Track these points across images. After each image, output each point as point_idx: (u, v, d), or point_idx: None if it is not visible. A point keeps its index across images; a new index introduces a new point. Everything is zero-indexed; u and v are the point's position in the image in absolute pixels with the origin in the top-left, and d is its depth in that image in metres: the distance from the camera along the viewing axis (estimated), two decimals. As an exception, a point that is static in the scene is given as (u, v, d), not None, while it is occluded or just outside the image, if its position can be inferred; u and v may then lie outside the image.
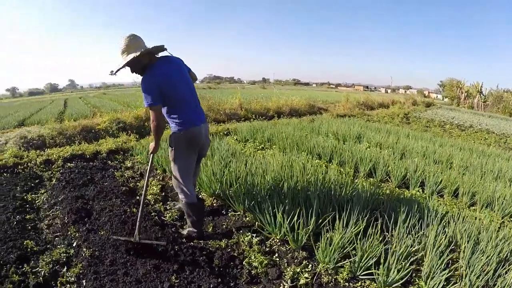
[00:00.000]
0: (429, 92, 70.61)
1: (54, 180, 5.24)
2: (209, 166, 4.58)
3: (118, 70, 2.96)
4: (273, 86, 61.93)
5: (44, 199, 4.59)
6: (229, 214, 4.07)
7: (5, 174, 5.61)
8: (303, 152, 6.40)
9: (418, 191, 5.13)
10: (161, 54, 3.13)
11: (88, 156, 6.36)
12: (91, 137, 8.31)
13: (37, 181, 5.29)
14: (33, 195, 4.69)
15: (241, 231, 3.66)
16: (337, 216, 3.27)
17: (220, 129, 8.71)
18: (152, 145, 3.20)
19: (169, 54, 3.16)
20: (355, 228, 3.18)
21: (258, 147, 7.11)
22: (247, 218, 3.94)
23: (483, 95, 36.75)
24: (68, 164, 6.02)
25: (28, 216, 4.00)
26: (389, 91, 75.36)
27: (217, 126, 9.32)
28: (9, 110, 20.77)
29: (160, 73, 2.97)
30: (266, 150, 6.93)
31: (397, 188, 5.22)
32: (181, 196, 3.36)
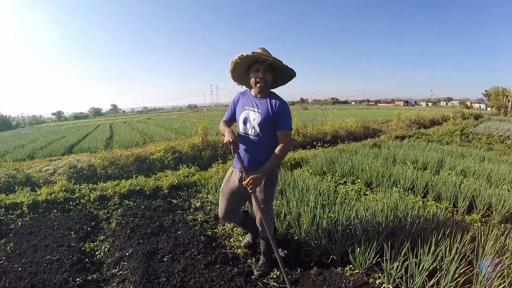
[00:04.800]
0: (471, 103, 68.25)
1: (114, 223, 4.39)
2: (305, 211, 3.69)
3: (279, 61, 2.55)
4: (314, 106, 61.51)
5: (106, 249, 3.71)
6: (347, 274, 3.02)
7: (55, 211, 4.89)
8: (393, 187, 5.44)
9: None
10: None
11: (147, 193, 5.49)
12: (145, 168, 7.55)
13: (93, 223, 4.45)
14: (91, 244, 3.84)
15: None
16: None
17: (287, 159, 7.63)
18: (256, 176, 2.54)
19: None
20: None
21: (339, 181, 6.10)
22: (371, 279, 2.93)
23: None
24: (126, 201, 5.19)
25: (90, 277, 3.11)
26: (430, 104, 72.66)
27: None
28: (56, 135, 20.71)
29: None
30: (348, 184, 5.94)
31: (502, 224, 4.17)
32: (270, 229, 2.74)
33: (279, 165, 2.68)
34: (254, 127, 2.66)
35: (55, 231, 4.10)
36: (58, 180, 5.95)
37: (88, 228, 4.24)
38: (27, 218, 4.67)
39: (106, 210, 4.96)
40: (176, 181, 5.88)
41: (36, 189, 5.74)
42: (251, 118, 2.67)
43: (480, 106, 59.75)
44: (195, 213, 4.72)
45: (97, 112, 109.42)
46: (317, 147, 9.63)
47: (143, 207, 4.82)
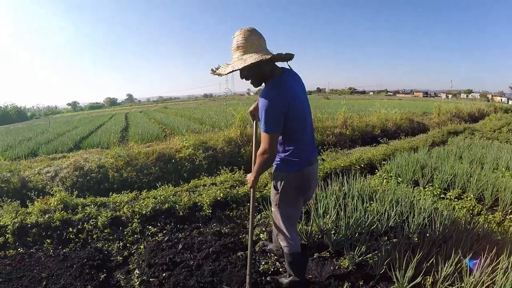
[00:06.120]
0: (492, 96, 66.00)
1: (135, 277, 2.70)
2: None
3: (232, 71, 2.02)
4: (332, 96, 60.26)
5: None
6: None
7: (48, 242, 3.33)
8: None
9: None
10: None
11: (181, 213, 3.77)
12: (170, 169, 5.85)
13: (101, 274, 2.76)
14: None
15: None
16: None
17: (355, 160, 5.75)
18: (251, 177, 2.29)
19: (288, 67, 2.25)
20: None
21: (439, 194, 4.36)
22: None
23: None
24: (150, 228, 3.51)
25: None
26: (450, 96, 69.87)
27: (334, 159, 6.07)
28: (68, 126, 19.14)
29: (291, 92, 2.07)
30: (452, 198, 4.24)
31: None
32: (283, 244, 2.40)
33: (285, 167, 2.18)
34: None
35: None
36: (55, 192, 4.24)
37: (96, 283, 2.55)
38: (9, 254, 3.12)
39: (121, 244, 3.30)
40: (221, 194, 4.07)
41: (28, 202, 4.07)
42: None
43: (501, 99, 57.98)
44: (267, 257, 2.97)
45: (112, 102, 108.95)
46: (386, 141, 7.98)
47: (178, 244, 3.07)
